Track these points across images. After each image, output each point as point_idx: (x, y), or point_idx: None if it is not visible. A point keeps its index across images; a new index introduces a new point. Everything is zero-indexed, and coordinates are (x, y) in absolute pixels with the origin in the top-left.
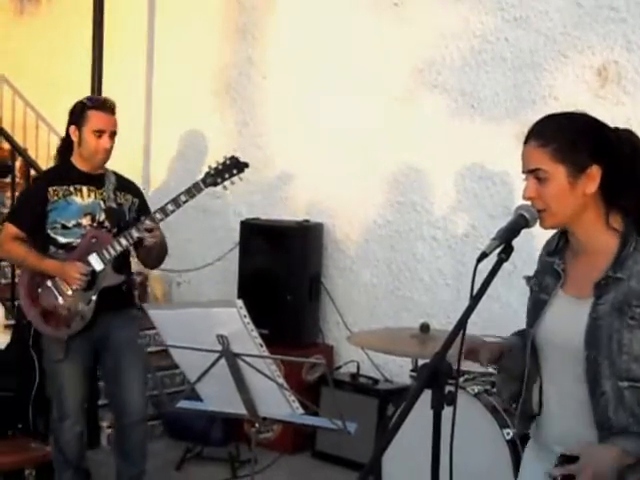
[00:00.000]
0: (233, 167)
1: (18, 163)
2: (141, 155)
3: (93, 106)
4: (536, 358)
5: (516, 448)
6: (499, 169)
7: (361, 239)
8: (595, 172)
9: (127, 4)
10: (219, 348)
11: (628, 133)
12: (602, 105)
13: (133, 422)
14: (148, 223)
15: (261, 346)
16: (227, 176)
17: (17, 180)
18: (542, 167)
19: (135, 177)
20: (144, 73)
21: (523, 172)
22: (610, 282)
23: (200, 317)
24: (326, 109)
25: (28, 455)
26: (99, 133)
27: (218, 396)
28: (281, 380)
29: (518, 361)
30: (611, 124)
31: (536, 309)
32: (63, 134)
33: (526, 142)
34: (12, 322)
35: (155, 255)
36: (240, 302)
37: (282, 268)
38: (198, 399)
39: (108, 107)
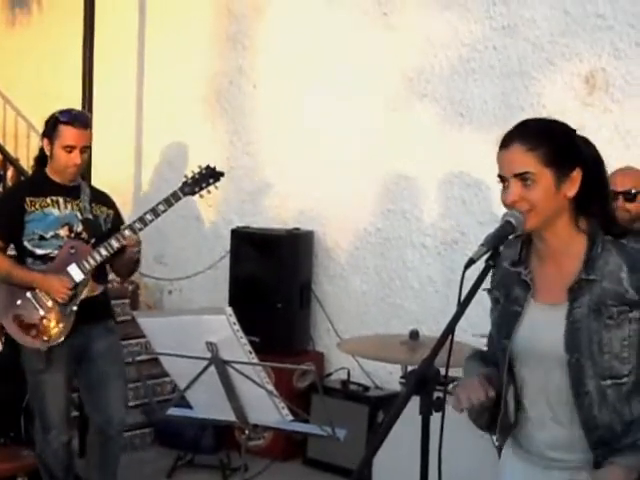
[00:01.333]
0: (209, 176)
1: (9, 172)
2: (132, 163)
3: (65, 121)
4: (511, 369)
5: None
6: (488, 176)
7: (351, 247)
8: (577, 175)
9: (118, 14)
10: (208, 355)
11: (586, 140)
12: (590, 112)
13: (113, 434)
14: (127, 233)
15: (250, 353)
16: (204, 185)
17: None
18: (530, 170)
19: (126, 184)
20: (135, 82)
21: (503, 176)
22: (583, 285)
23: (189, 324)
24: (316, 118)
25: (20, 463)
26: (69, 148)
27: (208, 403)
28: (270, 387)
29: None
30: (599, 131)
31: (509, 321)
32: None
33: (507, 146)
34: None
35: (131, 266)
36: (229, 309)
37: (273, 276)
38: (188, 407)
39: (80, 122)
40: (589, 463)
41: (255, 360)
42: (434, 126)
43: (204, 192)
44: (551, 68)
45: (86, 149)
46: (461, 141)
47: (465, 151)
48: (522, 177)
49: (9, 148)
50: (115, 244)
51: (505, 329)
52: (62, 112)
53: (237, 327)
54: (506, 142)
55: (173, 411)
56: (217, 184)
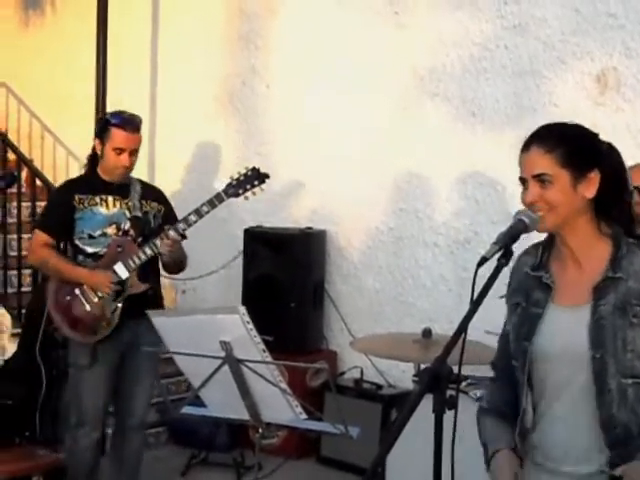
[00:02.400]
0: (254, 178)
1: (24, 173)
2: (145, 164)
3: (116, 124)
4: (529, 372)
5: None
6: (500, 175)
7: (364, 246)
8: (595, 177)
9: (131, 14)
10: (222, 354)
11: (610, 145)
12: (602, 112)
13: (134, 427)
14: (172, 233)
15: (264, 352)
16: (248, 187)
17: (23, 190)
18: (548, 172)
19: None
20: (148, 83)
21: (522, 178)
22: (609, 283)
23: (203, 324)
24: (328, 117)
25: (35, 462)
26: (119, 151)
27: (222, 402)
28: (284, 385)
29: None
30: (611, 130)
31: (530, 323)
32: (67, 144)
33: (527, 149)
34: (19, 330)
35: (173, 264)
36: (243, 308)
37: (286, 275)
38: (203, 405)
39: (131, 126)
40: (599, 474)
41: (269, 359)
42: (446, 125)
43: (249, 194)
44: (562, 67)
45: (135, 152)
46: (473, 140)
47: (477, 150)
48: (540, 178)
49: (23, 149)
50: (159, 244)
51: (525, 331)
52: (113, 114)
53: (251, 326)
54: (526, 145)
55: (187, 410)
56: (262, 186)
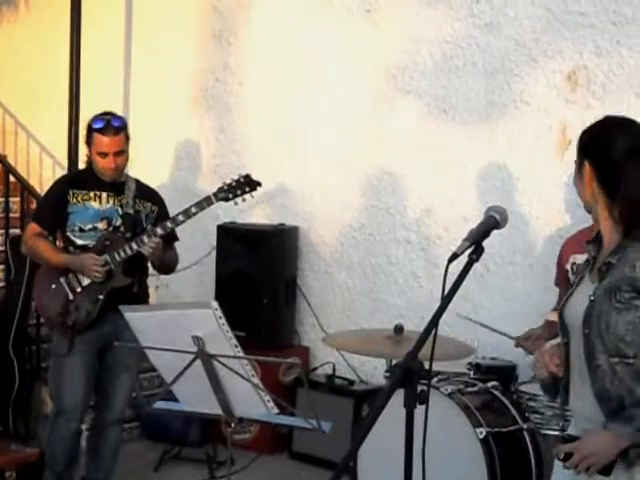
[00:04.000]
0: (246, 185)
1: None
2: None
3: (97, 129)
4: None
5: (489, 447)
6: (471, 172)
7: (336, 242)
8: (587, 169)
9: (105, 11)
10: (195, 349)
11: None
12: (572, 109)
13: (113, 421)
14: (159, 231)
15: (236, 347)
16: (239, 193)
17: None
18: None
19: None
20: (122, 80)
21: None
22: (609, 267)
23: (176, 318)
24: (301, 114)
25: (9, 457)
26: (103, 154)
27: (194, 397)
28: (256, 380)
29: None
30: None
31: (567, 294)
32: (41, 140)
33: None
34: None
35: (160, 264)
36: (215, 303)
37: (258, 271)
38: (175, 400)
39: (111, 130)
40: None
41: (241, 354)
42: (418, 122)
43: (238, 199)
44: (533, 65)
45: (121, 152)
46: (444, 137)
47: (448, 147)
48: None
49: None
50: (146, 240)
51: (563, 301)
52: (95, 119)
53: (223, 321)
54: None
55: (160, 405)
56: (253, 193)
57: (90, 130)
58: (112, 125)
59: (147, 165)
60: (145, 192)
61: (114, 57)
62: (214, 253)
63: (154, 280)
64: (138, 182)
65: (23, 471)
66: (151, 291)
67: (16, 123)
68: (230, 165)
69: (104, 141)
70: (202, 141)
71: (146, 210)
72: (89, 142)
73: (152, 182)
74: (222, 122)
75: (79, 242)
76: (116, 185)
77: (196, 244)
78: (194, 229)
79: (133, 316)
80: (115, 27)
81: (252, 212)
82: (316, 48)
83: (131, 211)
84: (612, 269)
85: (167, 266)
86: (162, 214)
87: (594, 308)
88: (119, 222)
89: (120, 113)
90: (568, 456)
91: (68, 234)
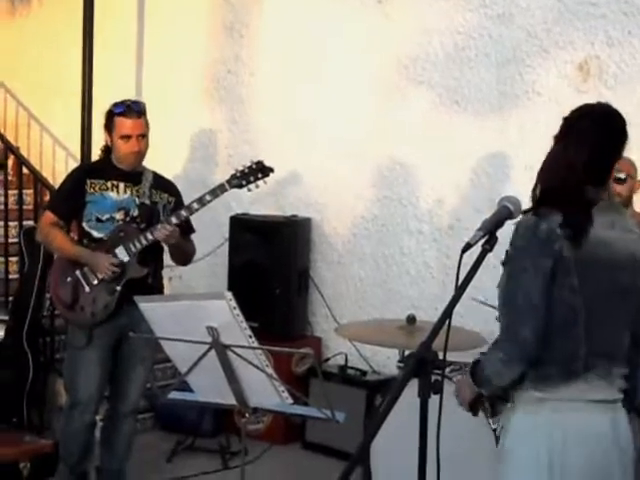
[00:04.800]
0: (259, 171)
1: (10, 161)
2: None
3: (119, 113)
4: None
5: None
6: (483, 163)
7: (349, 233)
8: None
9: (116, 4)
10: (209, 340)
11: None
12: (584, 100)
13: (127, 412)
14: (173, 219)
15: (250, 337)
16: (252, 179)
17: (9, 178)
18: None
19: None
20: (134, 72)
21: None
22: None
23: (190, 309)
24: (313, 105)
25: (23, 448)
26: (126, 138)
27: (209, 387)
28: (270, 370)
29: None
30: None
31: None
32: (54, 132)
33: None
34: (6, 317)
35: (176, 252)
36: (229, 294)
37: (271, 262)
38: (190, 391)
39: (133, 112)
40: None
41: (255, 344)
42: (429, 113)
43: (252, 186)
44: (545, 56)
45: (143, 136)
46: (456, 128)
47: (460, 138)
48: None
49: (10, 137)
50: (160, 228)
51: None
52: (116, 104)
53: (237, 312)
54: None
55: (174, 395)
56: (266, 179)
57: (111, 115)
58: (134, 107)
59: (160, 157)
60: (162, 183)
61: (126, 49)
62: (227, 244)
63: (167, 271)
64: (155, 174)
65: (37, 462)
66: (164, 282)
67: (29, 115)
68: (243, 156)
69: (127, 124)
70: (214, 132)
71: (163, 201)
72: (110, 128)
73: (165, 174)
74: (234, 113)
75: (95, 234)
76: (133, 175)
77: (209, 235)
78: (207, 220)
79: (148, 307)
80: (127, 19)
81: (265, 203)
82: (328, 39)
83: (148, 202)
84: None
85: (185, 256)
86: (179, 205)
87: None
88: (136, 212)
89: None
90: None
91: (84, 225)
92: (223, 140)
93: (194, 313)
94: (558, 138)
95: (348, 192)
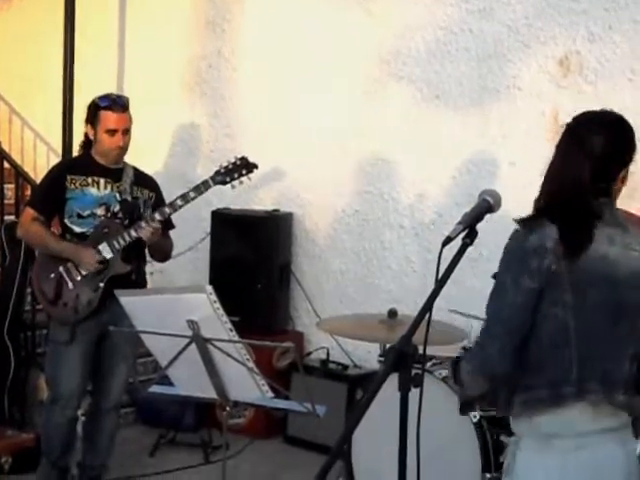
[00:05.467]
0: (243, 167)
1: None
2: None
3: (104, 106)
4: None
5: (482, 430)
6: (464, 158)
7: (330, 228)
8: None
9: None
10: (189, 333)
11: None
12: (564, 95)
13: (109, 407)
14: (157, 216)
15: (231, 331)
16: (236, 176)
17: None
18: None
19: None
20: (115, 67)
21: None
22: None
23: (170, 303)
24: (294, 100)
25: (4, 443)
26: (112, 132)
27: (189, 381)
28: (251, 364)
29: None
30: (573, 113)
31: None
32: (35, 126)
33: None
34: None
35: (158, 250)
36: (210, 288)
37: (252, 257)
38: (171, 385)
39: (119, 106)
40: None
41: (236, 338)
42: (411, 108)
43: (236, 182)
44: (526, 51)
45: (127, 131)
46: (437, 123)
47: (441, 133)
48: None
49: None
50: (144, 225)
51: None
52: (101, 98)
53: (217, 305)
54: None
55: (155, 389)
56: (250, 175)
57: (96, 108)
58: (120, 102)
59: (140, 151)
60: (142, 179)
61: (108, 44)
62: (208, 239)
63: (149, 266)
64: (135, 169)
65: (19, 457)
66: (145, 277)
67: (10, 110)
68: (224, 150)
69: (113, 118)
70: (195, 127)
71: (144, 197)
72: (94, 122)
73: (146, 169)
74: (215, 108)
75: (77, 229)
76: (114, 171)
77: (190, 230)
78: (188, 215)
79: (128, 300)
80: (109, 14)
81: (246, 198)
82: (309, 34)
83: (129, 197)
84: None
85: (164, 253)
86: (159, 201)
87: None
88: (117, 208)
89: None
90: None
91: (65, 220)
92: (204, 135)
93: (174, 306)
94: (560, 146)
95: (330, 187)
